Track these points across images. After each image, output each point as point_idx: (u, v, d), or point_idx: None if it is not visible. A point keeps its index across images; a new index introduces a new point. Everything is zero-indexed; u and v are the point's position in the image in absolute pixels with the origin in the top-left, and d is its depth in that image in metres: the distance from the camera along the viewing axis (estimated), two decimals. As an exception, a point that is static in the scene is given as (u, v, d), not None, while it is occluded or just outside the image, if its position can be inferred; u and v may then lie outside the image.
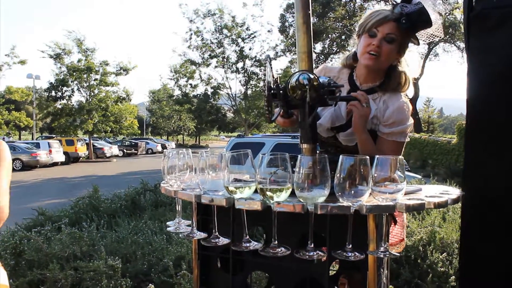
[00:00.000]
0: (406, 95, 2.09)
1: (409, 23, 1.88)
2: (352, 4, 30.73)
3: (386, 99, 2.04)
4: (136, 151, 42.94)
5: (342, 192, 1.29)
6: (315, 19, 28.59)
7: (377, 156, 1.33)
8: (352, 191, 1.28)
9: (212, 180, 1.49)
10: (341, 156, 1.30)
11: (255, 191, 1.38)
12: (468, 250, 1.73)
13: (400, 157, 1.33)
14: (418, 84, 31.87)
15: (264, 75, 1.55)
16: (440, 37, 2.02)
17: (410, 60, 2.10)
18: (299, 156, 1.31)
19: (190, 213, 1.66)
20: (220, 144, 59.11)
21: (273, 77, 1.57)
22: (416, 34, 1.98)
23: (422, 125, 35.59)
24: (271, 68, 1.58)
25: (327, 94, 1.49)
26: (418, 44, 2.02)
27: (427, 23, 1.90)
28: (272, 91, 1.51)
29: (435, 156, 20.96)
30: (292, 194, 1.32)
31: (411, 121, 2.04)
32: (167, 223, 1.79)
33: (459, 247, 1.81)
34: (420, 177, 10.28)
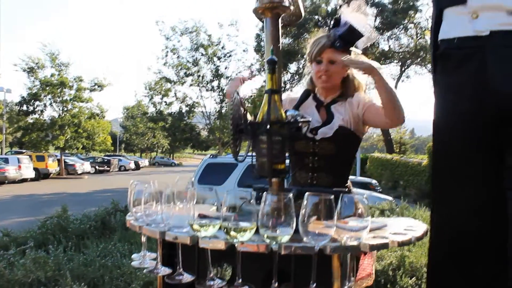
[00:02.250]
0: None
1: (343, 43, 2.11)
2: (326, 26, 31.07)
3: (349, 102, 2.24)
4: (109, 168, 42.34)
5: (306, 232, 1.28)
6: (290, 40, 28.90)
7: (342, 194, 1.34)
8: (317, 230, 1.28)
9: (178, 215, 1.48)
10: (306, 194, 1.30)
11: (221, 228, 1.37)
12: (437, 282, 1.75)
13: (365, 196, 1.34)
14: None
15: (232, 108, 1.53)
16: (376, 38, 2.22)
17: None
18: (264, 194, 1.31)
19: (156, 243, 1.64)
20: (194, 162, 58.76)
21: (244, 109, 1.57)
22: (357, 44, 2.19)
23: (394, 146, 36.07)
24: (240, 101, 1.58)
25: (295, 130, 1.51)
26: (361, 51, 2.24)
27: (359, 36, 2.11)
28: (239, 127, 1.51)
29: (406, 177, 21.24)
30: (258, 231, 1.31)
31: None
32: (132, 256, 1.76)
33: (426, 280, 1.82)
34: (391, 199, 10.37)
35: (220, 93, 31.59)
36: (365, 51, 2.30)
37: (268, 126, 1.47)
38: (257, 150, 1.55)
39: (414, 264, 4.78)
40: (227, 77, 31.54)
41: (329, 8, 28.85)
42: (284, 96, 2.33)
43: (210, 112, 32.92)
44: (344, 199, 1.33)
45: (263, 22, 1.84)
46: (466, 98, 1.60)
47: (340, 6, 2.18)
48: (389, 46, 31.93)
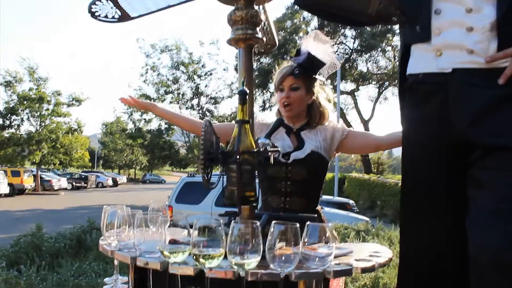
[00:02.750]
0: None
1: (302, 70, 2.24)
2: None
3: (319, 130, 2.38)
4: (86, 185, 41.78)
5: (272, 258, 1.33)
6: (270, 60, 29.14)
7: (308, 222, 1.39)
8: (283, 257, 1.33)
9: (150, 240, 1.51)
10: (272, 223, 1.35)
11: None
12: None
13: (330, 225, 1.39)
14: (368, 126, 32.79)
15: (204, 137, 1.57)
16: (338, 66, 2.35)
17: (321, 94, 2.42)
18: (232, 222, 1.35)
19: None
20: (173, 180, 58.25)
21: (215, 137, 1.62)
22: (320, 72, 2.31)
23: (372, 166, 36.38)
24: (212, 129, 1.62)
25: (263, 160, 1.56)
26: (325, 79, 2.38)
27: (319, 63, 2.24)
28: (210, 156, 1.55)
29: (384, 198, 21.39)
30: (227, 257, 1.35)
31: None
32: (104, 279, 1.78)
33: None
34: (368, 219, 10.47)
35: (200, 111, 31.58)
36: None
37: (238, 156, 1.53)
38: (227, 178, 1.61)
39: (388, 285, 4.85)
40: (207, 95, 31.61)
41: (309, 29, 29.24)
42: (256, 124, 2.39)
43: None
44: (310, 226, 1.38)
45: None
46: (430, 132, 1.67)
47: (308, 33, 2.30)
48: (368, 68, 32.45)
